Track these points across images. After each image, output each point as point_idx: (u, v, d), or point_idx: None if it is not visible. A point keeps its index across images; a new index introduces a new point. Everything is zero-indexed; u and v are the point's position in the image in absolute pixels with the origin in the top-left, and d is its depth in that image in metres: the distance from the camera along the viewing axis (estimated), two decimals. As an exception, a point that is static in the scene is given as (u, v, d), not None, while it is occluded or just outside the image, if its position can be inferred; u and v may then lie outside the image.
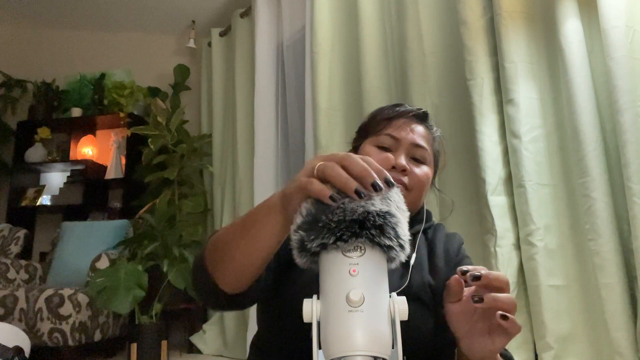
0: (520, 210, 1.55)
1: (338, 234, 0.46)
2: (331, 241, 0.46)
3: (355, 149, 0.90)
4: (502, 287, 0.56)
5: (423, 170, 0.82)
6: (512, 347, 1.51)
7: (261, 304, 0.78)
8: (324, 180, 0.49)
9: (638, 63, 1.37)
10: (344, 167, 0.49)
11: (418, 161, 0.83)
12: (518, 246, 1.57)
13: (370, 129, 0.88)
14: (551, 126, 1.59)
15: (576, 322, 1.46)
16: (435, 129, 0.90)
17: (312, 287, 0.69)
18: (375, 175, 0.49)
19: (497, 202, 1.59)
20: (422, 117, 0.88)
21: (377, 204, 0.47)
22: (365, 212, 0.46)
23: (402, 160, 0.80)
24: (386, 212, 0.47)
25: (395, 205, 0.50)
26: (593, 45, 1.51)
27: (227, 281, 0.64)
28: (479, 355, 0.58)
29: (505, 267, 1.53)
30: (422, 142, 0.83)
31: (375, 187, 0.48)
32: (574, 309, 1.46)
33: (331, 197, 0.47)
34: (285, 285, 0.73)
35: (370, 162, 0.51)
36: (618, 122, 1.35)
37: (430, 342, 0.69)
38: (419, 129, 0.85)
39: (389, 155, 0.81)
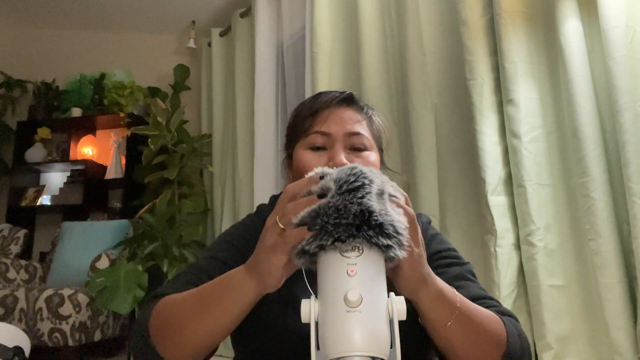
0: (520, 210, 1.55)
1: (336, 236, 0.46)
2: (329, 242, 0.46)
3: (290, 156, 0.82)
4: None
5: (367, 159, 0.75)
6: (512, 347, 1.51)
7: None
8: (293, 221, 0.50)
9: (638, 63, 1.37)
10: (293, 197, 0.52)
11: (359, 149, 0.76)
12: (518, 246, 1.57)
13: (297, 130, 0.80)
14: (551, 126, 1.59)
15: (576, 322, 1.45)
16: (366, 108, 0.82)
17: (288, 300, 0.67)
18: (313, 177, 0.51)
19: (497, 202, 1.59)
20: (348, 100, 0.80)
21: (374, 203, 0.47)
22: (361, 212, 0.46)
23: (341, 157, 0.72)
24: (382, 211, 0.47)
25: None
26: (593, 45, 1.51)
27: (178, 358, 0.58)
28: (405, 284, 0.54)
29: (505, 267, 1.53)
30: (356, 129, 0.76)
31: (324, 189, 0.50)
32: (574, 309, 1.46)
33: (309, 227, 0.49)
34: (256, 307, 0.64)
35: (289, 189, 0.53)
36: (618, 122, 1.34)
37: (424, 340, 0.68)
38: (349, 114, 0.78)
39: (324, 157, 0.74)
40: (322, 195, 0.50)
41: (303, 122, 0.79)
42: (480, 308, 0.61)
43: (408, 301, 0.50)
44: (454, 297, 0.57)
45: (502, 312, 0.66)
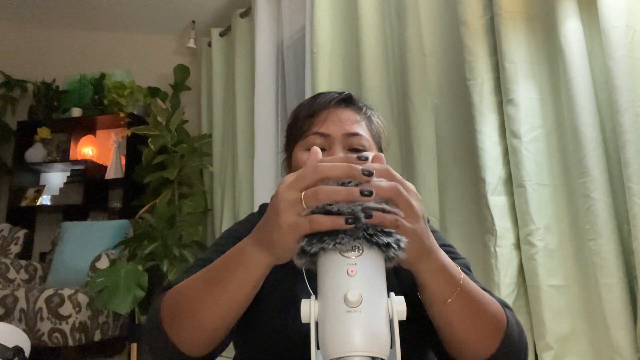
0: (520, 210, 1.55)
1: (337, 241, 0.46)
2: (331, 246, 0.46)
3: (289, 157, 0.82)
4: (391, 196, 0.48)
5: None
6: (512, 347, 1.51)
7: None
8: (318, 207, 0.45)
9: (638, 63, 1.37)
10: (325, 180, 0.46)
11: (358, 150, 0.74)
12: (518, 246, 1.57)
13: (296, 131, 0.79)
14: (551, 126, 1.59)
15: (576, 322, 1.45)
16: (365, 108, 0.81)
17: (288, 300, 0.67)
18: (356, 166, 0.46)
19: (497, 202, 1.59)
20: (347, 100, 0.79)
21: (370, 204, 0.47)
22: (361, 212, 0.46)
23: None
24: (382, 209, 0.47)
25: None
26: (593, 45, 1.51)
27: (191, 346, 0.56)
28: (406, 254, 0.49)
29: (505, 267, 1.53)
30: (354, 129, 0.75)
31: (368, 173, 0.45)
32: (574, 309, 1.46)
33: (347, 222, 0.44)
34: (256, 307, 0.64)
35: (335, 158, 0.48)
36: (618, 122, 1.34)
37: (424, 340, 0.68)
38: (347, 114, 0.77)
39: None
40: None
41: (302, 123, 0.78)
42: (483, 291, 0.59)
43: (408, 296, 0.49)
44: (458, 274, 0.55)
45: (501, 304, 0.65)
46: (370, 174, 0.46)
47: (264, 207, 0.85)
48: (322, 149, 0.74)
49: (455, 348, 0.59)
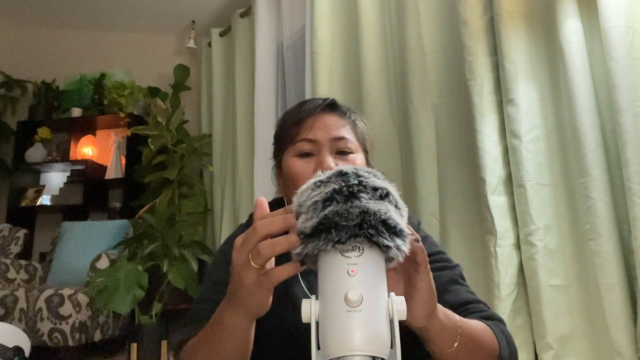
0: (520, 210, 1.55)
1: (336, 239, 0.46)
2: (329, 246, 0.46)
3: (278, 163, 0.87)
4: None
5: (353, 161, 0.79)
6: (512, 347, 1.51)
7: None
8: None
9: (638, 63, 1.37)
10: (266, 237, 0.49)
11: (345, 153, 0.79)
12: (518, 246, 1.57)
13: (284, 138, 0.85)
14: (551, 126, 1.59)
15: (576, 322, 1.45)
16: (349, 112, 0.86)
17: (287, 297, 0.69)
18: (291, 216, 0.49)
19: (497, 202, 1.59)
20: (331, 106, 0.84)
21: (372, 203, 0.47)
22: (361, 213, 0.46)
23: (329, 162, 0.76)
24: (381, 210, 0.47)
25: (394, 204, 0.50)
26: (593, 45, 1.51)
27: None
28: (420, 314, 0.55)
29: (505, 267, 1.53)
30: (340, 133, 0.80)
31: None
32: (574, 309, 1.46)
33: (301, 263, 0.48)
34: None
35: (272, 213, 0.51)
36: (618, 122, 1.34)
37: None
38: (333, 119, 0.82)
39: (312, 163, 0.78)
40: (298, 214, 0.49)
41: (289, 130, 0.83)
42: (473, 323, 0.64)
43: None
44: (455, 319, 0.60)
45: (490, 317, 0.69)
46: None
47: (251, 218, 0.87)
48: (311, 154, 0.79)
49: None
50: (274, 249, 0.48)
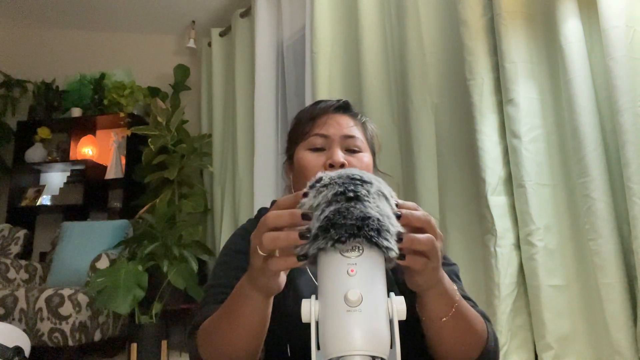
0: (520, 210, 1.55)
1: (336, 237, 0.46)
2: (329, 245, 0.46)
3: (291, 157, 0.91)
4: (423, 227, 0.53)
5: (361, 159, 0.83)
6: (513, 346, 1.51)
7: None
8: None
9: (638, 63, 1.37)
10: (273, 229, 0.51)
11: (354, 151, 0.84)
12: (518, 246, 1.57)
13: (298, 133, 0.89)
14: (551, 126, 1.59)
15: (576, 322, 1.46)
16: (360, 115, 0.92)
17: (287, 284, 0.70)
18: (297, 211, 0.51)
19: (497, 202, 1.59)
20: (344, 108, 0.89)
21: (372, 205, 0.47)
22: (361, 214, 0.47)
23: (338, 156, 0.80)
24: (384, 215, 0.48)
25: (392, 202, 0.51)
26: (593, 45, 1.51)
27: None
28: (420, 284, 0.57)
29: (505, 267, 1.53)
30: (351, 132, 0.85)
31: (306, 217, 0.50)
32: (574, 309, 1.46)
33: (301, 237, 0.49)
34: None
35: (280, 204, 0.53)
36: (618, 122, 1.34)
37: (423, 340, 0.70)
38: (345, 119, 0.87)
39: (322, 157, 0.82)
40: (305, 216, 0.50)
41: (304, 126, 0.87)
42: (472, 309, 0.66)
43: (407, 296, 0.51)
44: (454, 295, 0.61)
45: (479, 314, 0.71)
46: (308, 217, 0.50)
47: (262, 212, 0.90)
48: (322, 149, 0.84)
49: (440, 356, 0.66)
50: (274, 242, 0.50)
